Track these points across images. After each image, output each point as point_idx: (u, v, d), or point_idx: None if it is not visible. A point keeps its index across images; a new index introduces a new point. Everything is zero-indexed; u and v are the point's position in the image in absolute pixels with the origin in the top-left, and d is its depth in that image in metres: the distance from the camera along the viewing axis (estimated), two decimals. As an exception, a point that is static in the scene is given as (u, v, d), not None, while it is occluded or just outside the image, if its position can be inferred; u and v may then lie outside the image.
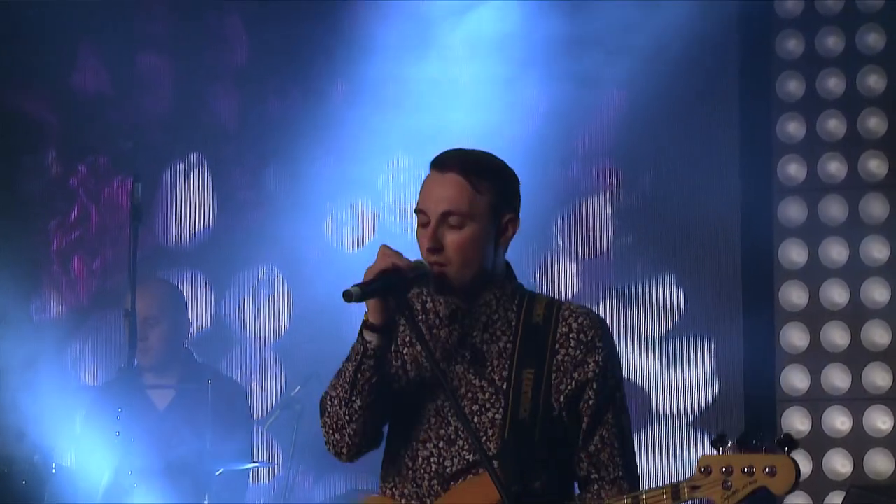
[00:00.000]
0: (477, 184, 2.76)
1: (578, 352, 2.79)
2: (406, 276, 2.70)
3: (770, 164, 6.42)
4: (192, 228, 7.02)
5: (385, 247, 2.75)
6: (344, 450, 2.81)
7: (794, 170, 6.45)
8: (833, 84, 6.41)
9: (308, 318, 6.68)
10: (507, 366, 2.78)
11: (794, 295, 6.39)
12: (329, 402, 2.78)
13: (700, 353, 6.42)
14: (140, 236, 5.05)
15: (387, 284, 2.68)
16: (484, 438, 2.74)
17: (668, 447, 6.46)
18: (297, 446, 5.92)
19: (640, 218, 6.52)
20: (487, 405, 2.79)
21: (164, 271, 6.70)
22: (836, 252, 6.35)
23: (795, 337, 6.36)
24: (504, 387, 2.75)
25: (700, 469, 2.55)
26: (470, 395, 2.79)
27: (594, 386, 2.80)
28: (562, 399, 2.78)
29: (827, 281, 6.34)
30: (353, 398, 2.72)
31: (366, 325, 2.73)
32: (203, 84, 6.97)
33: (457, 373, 2.80)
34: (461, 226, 2.75)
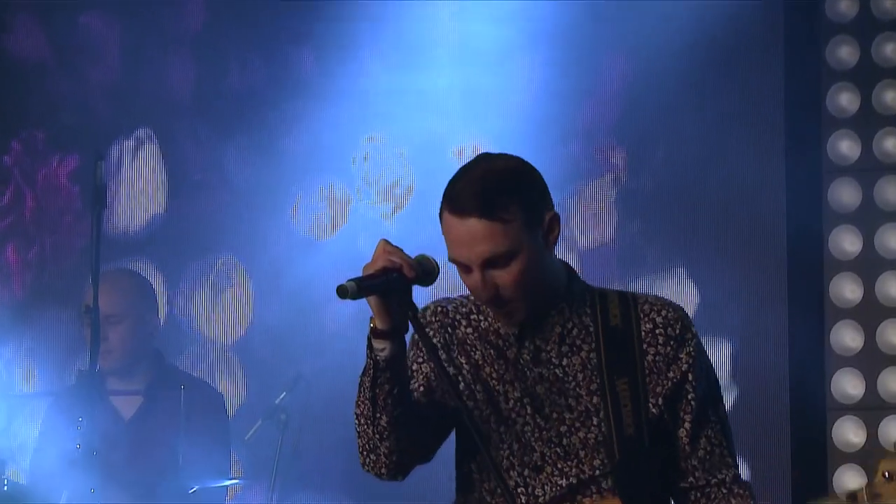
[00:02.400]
0: (503, 216, 2.67)
1: (669, 348, 2.76)
2: (409, 276, 2.63)
3: (819, 140, 6.17)
4: (140, 213, 6.85)
5: (385, 241, 2.66)
6: (383, 470, 2.77)
7: (846, 147, 6.16)
8: (891, 50, 6.13)
9: (272, 315, 6.51)
10: (595, 378, 2.76)
11: (847, 289, 6.12)
12: (357, 422, 2.76)
13: (716, 355, 6.18)
14: (82, 222, 5.15)
15: (387, 282, 2.61)
16: (575, 461, 2.74)
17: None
18: (281, 461, 5.79)
19: (647, 203, 6.32)
20: (577, 424, 2.76)
21: (108, 262, 6.03)
22: (894, 240, 6.07)
23: (848, 337, 6.09)
24: (595, 401, 2.74)
25: (883, 474, 2.44)
26: (555, 415, 2.76)
27: (691, 381, 2.76)
28: (661, 402, 2.76)
29: (884, 273, 6.06)
30: (378, 415, 2.68)
31: (374, 332, 2.66)
32: (154, 50, 6.76)
33: (538, 394, 2.76)
34: (507, 264, 2.69)
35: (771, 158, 6.13)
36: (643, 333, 2.79)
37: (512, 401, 2.77)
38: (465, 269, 2.74)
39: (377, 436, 2.71)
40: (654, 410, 2.77)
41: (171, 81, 6.79)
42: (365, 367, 2.69)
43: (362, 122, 6.54)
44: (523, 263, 2.71)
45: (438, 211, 2.77)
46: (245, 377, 6.63)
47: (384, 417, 2.69)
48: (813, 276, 6.14)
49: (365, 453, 2.76)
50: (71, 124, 6.69)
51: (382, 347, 2.66)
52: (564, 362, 2.79)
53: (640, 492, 2.73)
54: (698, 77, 6.30)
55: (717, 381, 2.86)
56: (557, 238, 2.79)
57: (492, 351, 2.80)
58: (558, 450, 2.74)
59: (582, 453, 2.76)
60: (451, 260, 2.76)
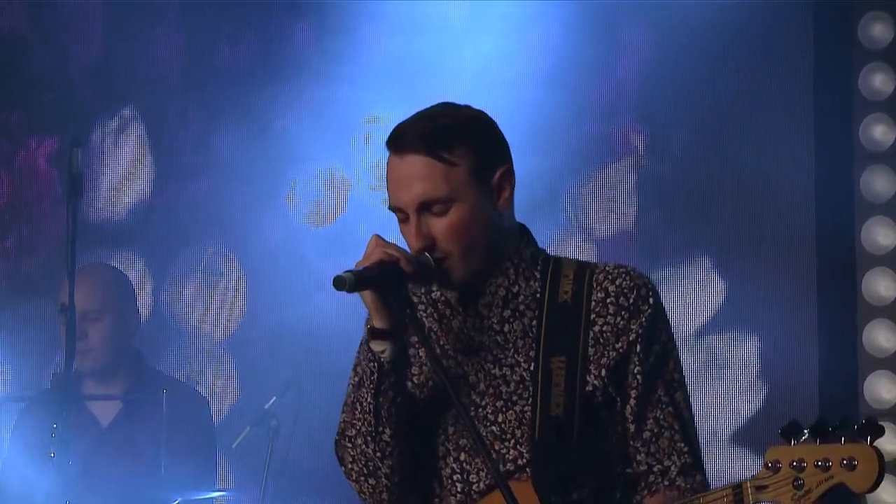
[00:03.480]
0: (446, 156, 2.59)
1: (619, 318, 2.62)
2: (407, 270, 2.57)
3: (850, 125, 6.02)
4: (124, 200, 6.67)
5: (377, 237, 2.60)
6: (385, 495, 2.64)
7: (880, 132, 6.01)
8: (930, 27, 5.97)
9: (266, 308, 6.44)
10: (532, 349, 2.63)
11: (881, 285, 5.98)
12: (350, 446, 2.65)
13: (744, 352, 6.13)
14: (62, 208, 4.75)
15: (384, 276, 2.55)
16: (512, 441, 2.60)
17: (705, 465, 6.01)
18: (271, 471, 5.65)
19: (669, 189, 6.22)
20: (514, 398, 2.63)
21: (90, 252, 6.10)
22: (932, 233, 5.95)
23: (882, 337, 5.95)
24: (529, 377, 2.61)
25: (767, 464, 2.40)
26: (492, 390, 2.64)
27: (638, 352, 2.62)
28: (603, 375, 2.62)
29: (922, 268, 5.92)
30: (381, 429, 2.59)
31: (373, 333, 2.59)
32: (139, 24, 6.63)
33: (473, 364, 2.65)
34: (445, 211, 2.60)
35: (799, 143, 6.07)
36: (593, 303, 2.66)
37: (452, 377, 2.65)
38: (403, 216, 2.64)
39: (378, 454, 2.60)
40: (595, 383, 2.63)
41: (158, 58, 6.64)
42: (361, 379, 2.61)
43: (363, 102, 6.42)
44: (463, 213, 2.60)
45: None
46: (238, 376, 6.49)
47: (387, 430, 2.59)
48: (845, 271, 6.03)
49: (363, 480, 2.64)
50: (51, 104, 6.59)
51: (383, 349, 2.57)
52: (506, 328, 2.67)
53: (559, 478, 2.57)
54: (722, 55, 6.17)
55: (677, 360, 2.72)
56: (510, 200, 2.68)
57: (440, 322, 2.71)
58: (494, 428, 2.61)
59: (519, 432, 2.63)
60: (391, 208, 2.67)
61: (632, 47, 6.24)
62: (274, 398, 5.75)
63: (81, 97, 6.60)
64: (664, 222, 6.20)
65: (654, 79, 6.22)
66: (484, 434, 2.61)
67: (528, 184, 6.03)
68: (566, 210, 6.32)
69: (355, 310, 2.81)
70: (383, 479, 2.62)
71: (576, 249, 6.28)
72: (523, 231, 2.75)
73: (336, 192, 6.44)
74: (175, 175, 6.63)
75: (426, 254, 2.62)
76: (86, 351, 4.85)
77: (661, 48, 6.19)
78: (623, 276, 2.68)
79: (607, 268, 2.70)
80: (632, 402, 2.65)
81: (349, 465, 2.68)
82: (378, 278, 2.54)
